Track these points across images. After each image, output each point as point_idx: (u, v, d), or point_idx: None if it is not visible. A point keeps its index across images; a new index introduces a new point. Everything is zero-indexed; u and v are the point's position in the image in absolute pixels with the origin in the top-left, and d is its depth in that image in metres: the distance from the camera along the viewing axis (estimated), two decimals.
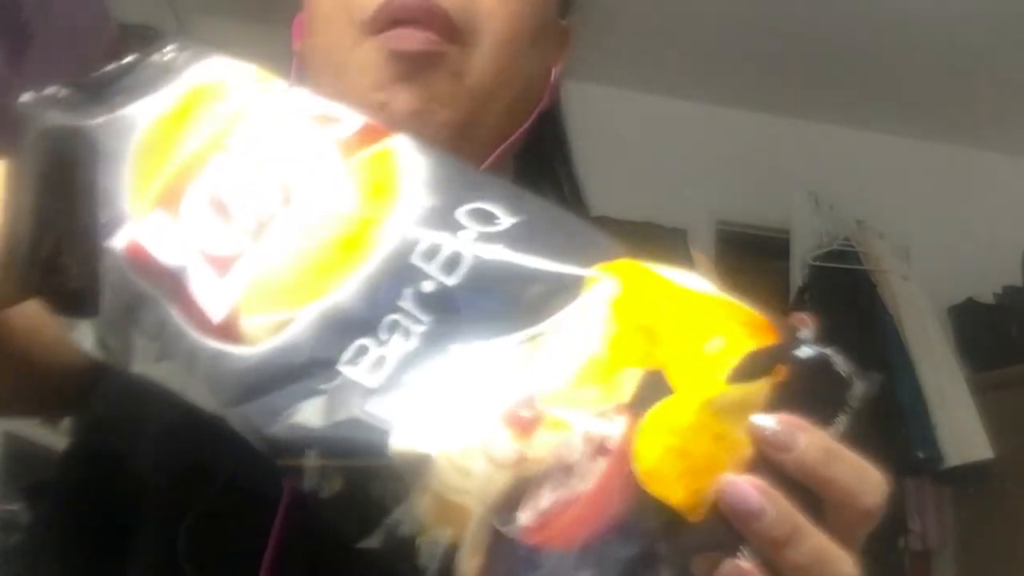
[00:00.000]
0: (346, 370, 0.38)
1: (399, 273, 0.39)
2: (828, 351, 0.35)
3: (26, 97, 0.48)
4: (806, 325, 0.36)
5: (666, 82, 3.30)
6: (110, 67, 0.49)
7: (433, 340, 0.38)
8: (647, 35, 3.04)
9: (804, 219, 3.38)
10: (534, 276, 0.38)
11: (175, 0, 2.38)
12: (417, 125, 0.57)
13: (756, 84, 3.29)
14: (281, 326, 0.40)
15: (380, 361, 0.38)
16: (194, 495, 0.55)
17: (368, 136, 0.45)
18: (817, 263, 3.29)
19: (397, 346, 0.38)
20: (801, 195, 3.38)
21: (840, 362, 0.35)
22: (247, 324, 0.41)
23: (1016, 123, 3.42)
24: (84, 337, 0.47)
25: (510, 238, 0.39)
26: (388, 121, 0.55)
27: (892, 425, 3.01)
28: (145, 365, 0.44)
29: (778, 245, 3.42)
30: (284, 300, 0.40)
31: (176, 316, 0.42)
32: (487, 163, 0.61)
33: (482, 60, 0.60)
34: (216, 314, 0.41)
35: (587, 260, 0.38)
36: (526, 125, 0.65)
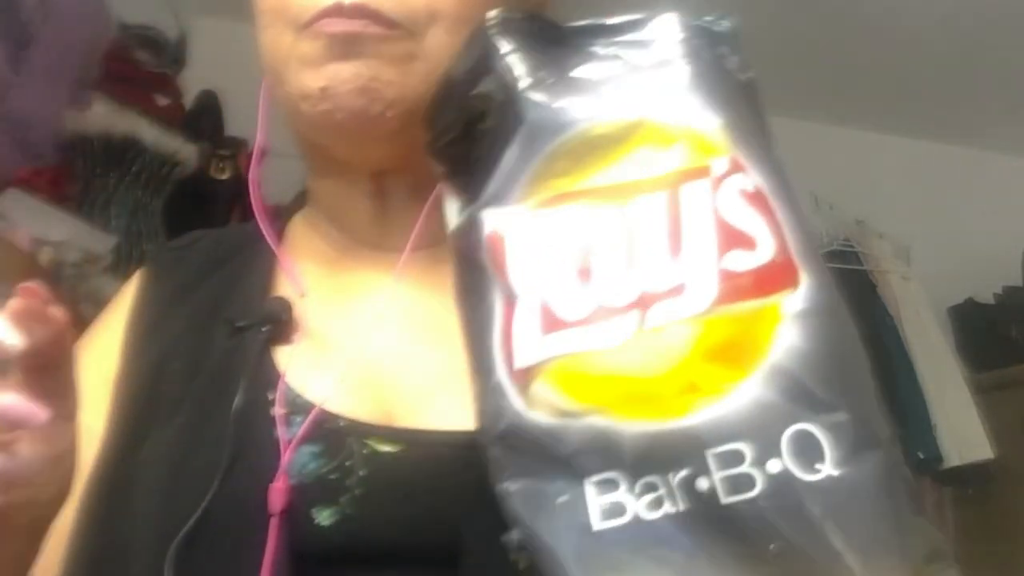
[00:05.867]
0: (589, 490, 0.39)
1: None
2: None
3: (495, 16, 0.48)
4: None
5: None
6: (586, 23, 0.49)
7: None
8: None
9: None
10: None
11: (175, 0, 2.38)
12: (363, 102, 0.58)
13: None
14: (563, 415, 0.40)
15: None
16: (180, 518, 0.54)
17: (770, 282, 0.44)
18: None
19: None
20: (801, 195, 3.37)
21: None
22: (537, 390, 0.40)
23: (1016, 123, 3.42)
24: None
25: None
26: (333, 107, 0.57)
27: (892, 425, 3.00)
28: None
29: None
30: (581, 395, 0.39)
31: (494, 315, 0.42)
32: None
33: (436, 42, 0.60)
34: (520, 361, 0.41)
35: None
36: None
